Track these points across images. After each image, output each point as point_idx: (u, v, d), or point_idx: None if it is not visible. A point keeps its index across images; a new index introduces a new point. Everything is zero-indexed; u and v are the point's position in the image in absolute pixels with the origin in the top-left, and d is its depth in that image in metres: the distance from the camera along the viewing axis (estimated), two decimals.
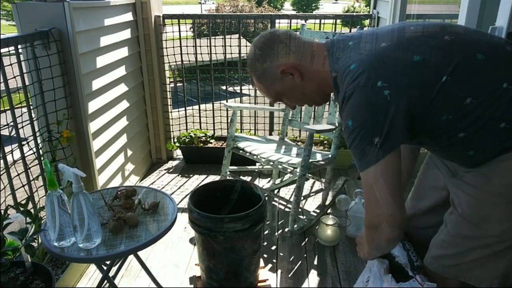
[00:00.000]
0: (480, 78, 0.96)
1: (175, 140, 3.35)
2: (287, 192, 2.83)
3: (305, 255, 2.13)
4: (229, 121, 2.70)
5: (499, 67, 0.97)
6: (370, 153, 0.96)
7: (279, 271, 2.01)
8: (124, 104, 2.67)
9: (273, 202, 2.70)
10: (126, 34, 2.68)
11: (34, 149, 1.84)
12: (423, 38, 1.00)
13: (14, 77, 1.71)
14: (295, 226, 2.27)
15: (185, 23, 3.22)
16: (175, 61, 3.20)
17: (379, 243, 1.05)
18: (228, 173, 2.58)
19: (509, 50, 0.99)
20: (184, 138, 3.29)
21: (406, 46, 0.99)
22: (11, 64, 1.73)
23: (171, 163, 3.33)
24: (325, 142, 3.26)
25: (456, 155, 1.10)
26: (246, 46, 3.28)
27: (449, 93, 0.96)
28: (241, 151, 2.48)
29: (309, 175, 2.62)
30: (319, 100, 1.22)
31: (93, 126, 2.21)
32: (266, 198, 2.20)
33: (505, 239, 1.06)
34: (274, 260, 2.10)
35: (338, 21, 3.07)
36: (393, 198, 0.97)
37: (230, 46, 3.24)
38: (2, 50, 1.59)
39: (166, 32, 3.12)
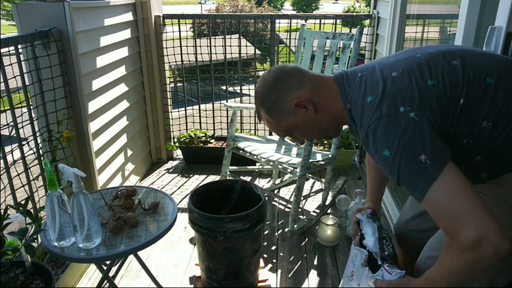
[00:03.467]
0: (493, 101, 0.95)
1: (175, 140, 3.35)
2: (287, 192, 2.84)
3: (305, 255, 2.14)
4: (229, 121, 2.70)
5: (509, 89, 0.96)
6: (422, 173, 0.88)
7: (279, 271, 2.01)
8: (124, 104, 2.67)
9: (273, 202, 2.70)
10: (126, 34, 2.68)
11: (34, 149, 1.84)
12: (432, 64, 0.99)
13: (14, 77, 1.71)
14: (295, 226, 2.27)
15: (185, 23, 3.21)
16: (175, 61, 3.20)
17: (484, 260, 0.83)
18: (228, 173, 2.58)
19: None
20: (184, 138, 3.29)
21: (417, 73, 0.98)
22: (11, 64, 1.73)
23: (171, 163, 3.34)
24: (325, 142, 3.26)
25: (470, 177, 1.06)
26: (246, 46, 3.28)
27: (467, 116, 0.95)
28: (241, 151, 2.48)
29: (309, 175, 2.62)
30: (332, 133, 1.21)
31: (93, 126, 2.21)
32: (266, 198, 2.20)
33: None
34: (274, 260, 2.10)
35: (338, 21, 3.07)
36: (478, 203, 0.85)
37: (230, 46, 3.25)
38: (2, 50, 1.59)
39: (166, 32, 3.12)
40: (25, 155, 1.78)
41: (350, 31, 2.93)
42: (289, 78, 1.11)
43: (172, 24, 3.12)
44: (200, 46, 3.33)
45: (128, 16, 2.72)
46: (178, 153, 3.48)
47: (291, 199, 2.65)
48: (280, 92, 1.11)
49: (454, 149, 0.96)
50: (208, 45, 3.24)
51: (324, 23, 3.08)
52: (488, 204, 0.98)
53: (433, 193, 0.87)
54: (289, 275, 1.98)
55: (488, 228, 0.81)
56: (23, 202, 1.50)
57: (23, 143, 1.77)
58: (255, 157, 2.41)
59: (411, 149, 0.89)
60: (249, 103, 3.46)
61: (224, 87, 3.61)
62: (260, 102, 1.15)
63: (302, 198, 2.28)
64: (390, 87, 0.97)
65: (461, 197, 0.85)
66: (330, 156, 2.40)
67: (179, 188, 2.91)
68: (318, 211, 2.57)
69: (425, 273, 0.98)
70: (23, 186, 1.79)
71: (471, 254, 0.84)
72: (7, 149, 1.68)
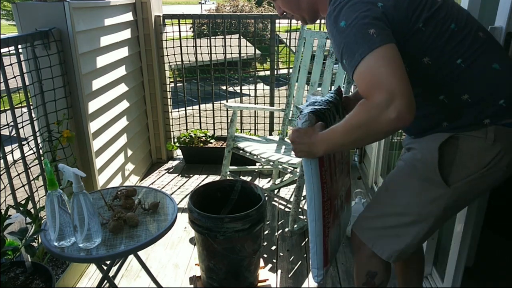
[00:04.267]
0: (443, 44, 1.01)
1: (175, 140, 3.35)
2: (287, 192, 2.84)
3: (305, 255, 2.14)
4: (229, 121, 2.70)
5: (462, 43, 1.01)
6: (366, 41, 0.92)
7: (279, 271, 2.01)
8: (124, 104, 2.67)
9: (273, 202, 2.70)
10: (126, 34, 2.68)
11: (34, 149, 1.84)
12: None
13: (14, 77, 1.71)
14: (295, 226, 2.27)
15: (185, 23, 3.22)
16: (175, 61, 3.20)
17: (383, 122, 0.89)
18: (228, 173, 2.58)
19: (481, 36, 1.04)
20: (184, 138, 3.29)
21: None
22: (11, 64, 1.73)
23: (171, 163, 3.34)
24: None
25: None
26: (246, 46, 3.28)
27: (417, 43, 1.01)
28: (241, 151, 2.48)
29: None
30: (308, 17, 1.24)
31: (93, 126, 2.21)
32: (266, 198, 2.20)
33: (409, 213, 1.15)
34: (274, 260, 2.10)
35: None
36: (401, 75, 0.90)
37: (230, 46, 3.24)
38: (2, 50, 1.59)
39: (166, 32, 3.12)
40: (25, 155, 1.78)
41: None
42: None
43: (172, 24, 3.12)
44: (200, 46, 3.33)
45: (128, 16, 2.72)
46: (178, 153, 3.48)
47: (291, 199, 2.65)
48: None
49: None
50: (208, 45, 3.24)
51: (324, 23, 3.07)
52: (402, 168, 1.18)
53: (368, 59, 0.91)
54: (289, 275, 1.98)
55: (400, 95, 0.87)
56: (23, 202, 1.50)
57: (23, 143, 1.77)
58: (255, 157, 2.41)
59: (365, 22, 0.94)
60: (249, 103, 3.47)
61: (224, 87, 3.61)
62: None
63: (302, 198, 2.28)
64: None
65: (389, 67, 0.90)
66: None
67: (179, 188, 2.91)
68: None
69: (333, 126, 1.04)
70: (23, 186, 1.79)
71: (375, 112, 0.89)
72: (7, 149, 1.68)
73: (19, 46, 1.74)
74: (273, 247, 2.21)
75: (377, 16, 0.96)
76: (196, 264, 1.96)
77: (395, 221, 1.18)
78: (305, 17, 1.24)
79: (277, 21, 3.16)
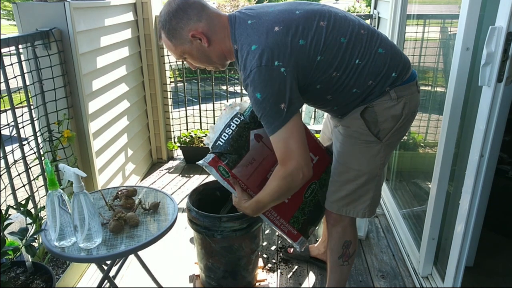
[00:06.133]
0: (342, 57, 1.27)
1: (176, 140, 3.35)
2: None
3: None
4: None
5: (354, 48, 1.28)
6: (279, 116, 1.20)
7: (278, 271, 2.01)
8: (125, 104, 2.67)
9: None
10: (126, 34, 2.68)
11: (35, 149, 1.84)
12: (306, 25, 1.24)
13: (15, 77, 1.71)
14: None
15: None
16: (176, 61, 3.20)
17: (296, 183, 1.27)
18: None
19: (363, 33, 1.30)
20: (185, 138, 3.29)
21: (293, 32, 1.23)
22: (11, 64, 1.73)
23: (172, 163, 3.34)
24: None
25: (328, 110, 1.47)
26: None
27: (322, 69, 1.27)
28: None
29: None
30: (220, 66, 1.41)
31: (94, 126, 2.21)
32: None
33: (363, 173, 1.42)
34: (274, 260, 2.10)
35: None
36: (304, 146, 1.24)
37: None
38: (3, 50, 1.59)
39: None
40: (26, 155, 1.79)
41: None
42: (190, 10, 1.26)
43: None
44: None
45: (129, 16, 2.72)
46: (178, 153, 3.49)
47: None
48: (180, 21, 1.26)
49: (312, 93, 1.33)
50: None
51: None
52: (345, 141, 1.43)
53: (281, 132, 1.21)
54: (289, 275, 1.98)
55: (304, 163, 1.24)
56: (23, 202, 1.50)
57: (23, 143, 1.77)
58: None
59: (276, 97, 1.19)
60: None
61: (224, 87, 3.61)
62: (162, 26, 1.30)
63: None
64: (271, 40, 1.21)
65: (297, 139, 1.23)
66: None
67: (179, 188, 2.91)
68: None
69: (257, 195, 1.39)
70: (23, 186, 1.79)
71: (290, 178, 1.26)
72: (8, 149, 1.68)
73: (20, 46, 1.74)
74: (273, 247, 2.21)
75: (284, 87, 1.19)
76: (195, 263, 1.97)
77: (355, 185, 1.44)
78: (218, 67, 1.42)
79: None
